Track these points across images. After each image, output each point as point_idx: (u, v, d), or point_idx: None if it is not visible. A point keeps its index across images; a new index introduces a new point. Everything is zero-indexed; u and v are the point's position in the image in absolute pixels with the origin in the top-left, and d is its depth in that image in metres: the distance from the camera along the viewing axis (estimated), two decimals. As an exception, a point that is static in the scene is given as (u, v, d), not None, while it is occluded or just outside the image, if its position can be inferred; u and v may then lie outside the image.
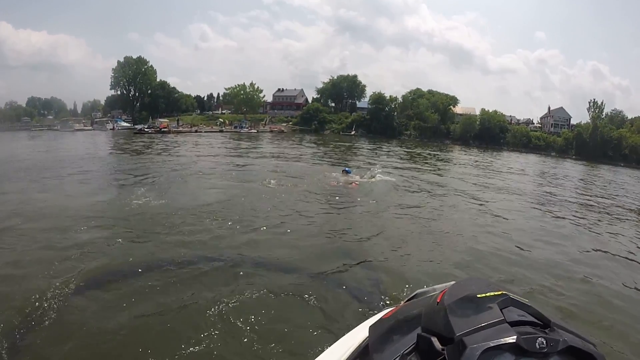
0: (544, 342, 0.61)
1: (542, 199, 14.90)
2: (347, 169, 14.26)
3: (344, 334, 1.22)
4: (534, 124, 77.70)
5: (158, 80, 79.49)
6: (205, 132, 54.78)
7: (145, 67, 78.43)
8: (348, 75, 76.08)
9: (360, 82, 76.29)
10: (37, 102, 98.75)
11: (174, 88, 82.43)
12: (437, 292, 0.84)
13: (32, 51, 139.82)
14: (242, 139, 42.68)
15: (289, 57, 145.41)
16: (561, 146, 62.59)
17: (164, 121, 60.17)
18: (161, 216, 7.94)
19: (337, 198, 11.14)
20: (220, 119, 66.64)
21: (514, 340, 0.61)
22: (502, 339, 0.61)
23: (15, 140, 37.29)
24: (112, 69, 77.87)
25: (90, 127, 62.07)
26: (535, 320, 0.69)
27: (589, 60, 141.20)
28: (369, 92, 74.83)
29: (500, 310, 0.69)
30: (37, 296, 4.43)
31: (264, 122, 67.12)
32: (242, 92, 70.58)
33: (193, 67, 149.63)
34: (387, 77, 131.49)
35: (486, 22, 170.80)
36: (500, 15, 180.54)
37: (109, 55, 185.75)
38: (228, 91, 73.30)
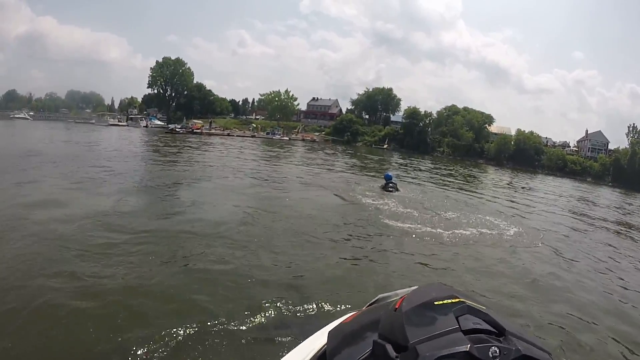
0: (497, 350, 0.61)
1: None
2: (388, 174, 13.75)
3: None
4: (570, 147, 75.70)
5: (195, 82, 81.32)
6: (237, 135, 55.25)
7: (183, 68, 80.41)
8: (383, 88, 75.55)
9: (395, 96, 75.66)
10: (75, 95, 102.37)
11: (209, 90, 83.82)
12: (397, 298, 0.84)
13: (74, 47, 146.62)
14: (274, 145, 42.62)
15: (324, 66, 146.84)
16: (597, 172, 60.64)
17: (198, 122, 61.28)
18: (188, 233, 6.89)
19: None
20: (253, 124, 67.10)
21: (467, 349, 0.60)
22: (454, 348, 0.61)
23: (49, 129, 39.22)
24: (151, 68, 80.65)
25: (124, 123, 63.99)
26: (491, 329, 0.67)
27: (628, 82, 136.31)
28: (403, 106, 74.35)
29: (456, 318, 0.68)
30: None
31: (296, 130, 67.16)
32: (276, 98, 71.07)
33: (230, 72, 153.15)
34: (421, 91, 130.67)
35: (523, 39, 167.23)
36: (537, 32, 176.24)
37: (149, 55, 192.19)
38: (263, 97, 74.13)
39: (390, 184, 12.93)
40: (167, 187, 11.22)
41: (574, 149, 74.23)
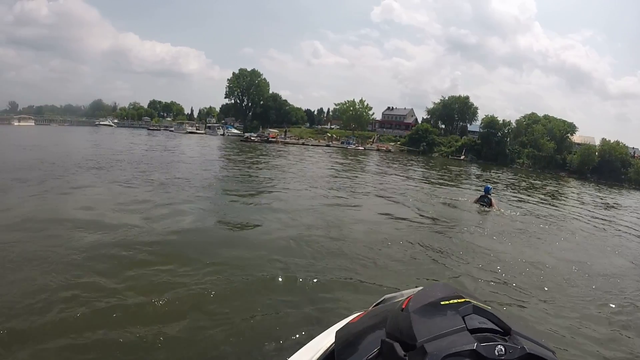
0: (503, 349, 0.63)
1: None
2: (488, 186, 12.91)
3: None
4: (661, 158, 70.30)
5: (270, 92, 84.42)
6: (312, 145, 56.20)
7: (259, 79, 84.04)
8: (460, 96, 73.01)
9: (472, 104, 72.90)
10: (157, 104, 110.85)
11: (285, 100, 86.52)
12: (403, 298, 0.87)
13: (155, 60, 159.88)
14: (348, 155, 42.67)
15: (399, 75, 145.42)
16: (692, 185, 55.90)
17: (274, 131, 63.28)
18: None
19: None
20: (328, 134, 68.21)
21: (474, 347, 0.62)
22: (461, 346, 0.63)
23: (130, 136, 43.06)
24: (228, 79, 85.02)
25: (202, 131, 68.16)
26: (496, 328, 0.70)
27: None
28: (480, 114, 71.20)
29: (462, 317, 0.71)
30: None
31: (371, 140, 66.98)
32: (351, 108, 71.37)
33: (304, 82, 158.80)
34: (498, 99, 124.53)
35: (604, 40, 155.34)
36: (620, 32, 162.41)
37: (226, 67, 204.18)
38: (337, 106, 74.84)
39: (486, 198, 12.09)
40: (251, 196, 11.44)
41: (666, 159, 68.91)
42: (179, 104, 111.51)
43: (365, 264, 6.07)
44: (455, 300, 0.74)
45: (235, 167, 19.96)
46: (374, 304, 1.19)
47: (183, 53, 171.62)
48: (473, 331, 0.67)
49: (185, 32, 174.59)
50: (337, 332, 0.94)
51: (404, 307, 0.78)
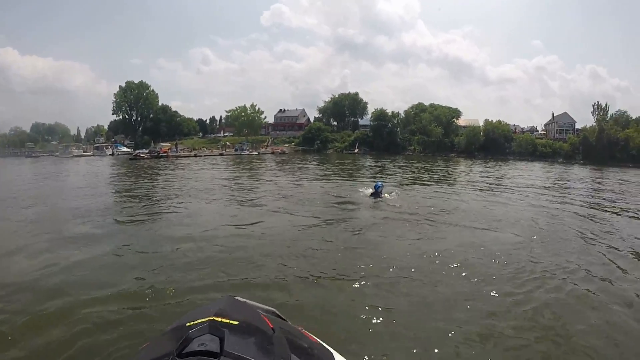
0: None
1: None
2: (378, 184, 13.73)
3: None
4: (538, 131, 76.78)
5: (160, 104, 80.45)
6: (204, 155, 54.54)
7: (147, 91, 79.29)
8: (349, 93, 76.28)
9: (362, 100, 76.47)
10: (41, 127, 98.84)
11: (175, 112, 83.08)
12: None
13: (37, 77, 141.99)
14: (242, 162, 41.90)
15: (290, 77, 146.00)
16: (568, 152, 61.46)
17: (166, 145, 60.52)
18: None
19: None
20: (221, 142, 66.56)
21: None
22: None
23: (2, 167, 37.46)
24: (114, 93, 79.27)
25: (89, 153, 62.37)
26: (212, 349, 0.65)
27: (587, 64, 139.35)
28: (370, 109, 75.03)
29: (190, 339, 0.65)
30: None
31: (265, 144, 66.84)
32: (242, 114, 70.52)
33: (196, 90, 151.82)
34: (388, 94, 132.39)
35: (482, 33, 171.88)
36: (496, 26, 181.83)
37: (113, 80, 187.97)
38: (229, 113, 73.47)
39: (376, 192, 13.17)
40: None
41: (542, 132, 75.39)
42: (64, 125, 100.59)
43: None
44: (200, 320, 0.70)
45: (113, 195, 16.69)
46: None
47: (67, 67, 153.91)
48: (185, 354, 0.63)
49: (67, 44, 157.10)
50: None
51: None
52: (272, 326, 0.73)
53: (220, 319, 0.70)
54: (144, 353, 0.68)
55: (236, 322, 0.71)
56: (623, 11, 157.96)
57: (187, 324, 0.70)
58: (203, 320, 0.70)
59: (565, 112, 75.04)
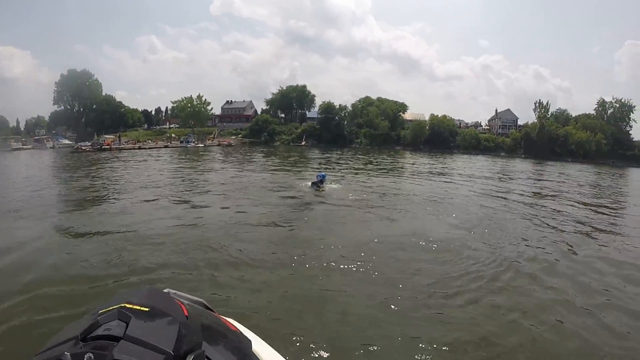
0: (92, 356, 0.59)
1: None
2: (320, 174, 14.30)
3: None
4: (482, 126, 79.95)
5: (104, 94, 77.52)
6: (149, 148, 53.71)
7: (90, 80, 76.03)
8: (297, 85, 77.14)
9: (310, 92, 77.39)
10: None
11: (119, 102, 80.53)
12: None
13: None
14: (188, 154, 41.46)
15: (239, 68, 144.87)
16: (510, 146, 64.55)
17: (110, 137, 58.92)
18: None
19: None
20: (167, 134, 65.10)
21: (61, 357, 0.59)
22: (52, 355, 0.60)
23: None
24: (55, 82, 75.43)
25: (29, 146, 59.22)
26: (116, 334, 0.64)
27: (531, 64, 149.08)
28: (319, 102, 75.95)
29: (99, 325, 0.65)
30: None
31: (212, 136, 66.45)
32: (189, 105, 69.59)
33: (142, 80, 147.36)
34: (337, 87, 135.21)
35: (432, 31, 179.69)
36: (445, 24, 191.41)
37: (56, 68, 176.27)
38: (175, 104, 72.06)
39: (319, 183, 13.71)
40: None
41: (486, 127, 78.63)
42: (2, 116, 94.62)
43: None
44: (112, 307, 0.71)
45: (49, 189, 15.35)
46: None
47: (6, 54, 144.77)
48: (94, 338, 0.64)
49: (8, 30, 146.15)
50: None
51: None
52: (187, 314, 0.73)
53: (131, 306, 0.71)
54: (54, 337, 0.68)
55: (146, 309, 0.71)
56: (566, 13, 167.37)
57: (100, 311, 0.71)
58: (114, 307, 0.71)
59: (509, 109, 78.85)
